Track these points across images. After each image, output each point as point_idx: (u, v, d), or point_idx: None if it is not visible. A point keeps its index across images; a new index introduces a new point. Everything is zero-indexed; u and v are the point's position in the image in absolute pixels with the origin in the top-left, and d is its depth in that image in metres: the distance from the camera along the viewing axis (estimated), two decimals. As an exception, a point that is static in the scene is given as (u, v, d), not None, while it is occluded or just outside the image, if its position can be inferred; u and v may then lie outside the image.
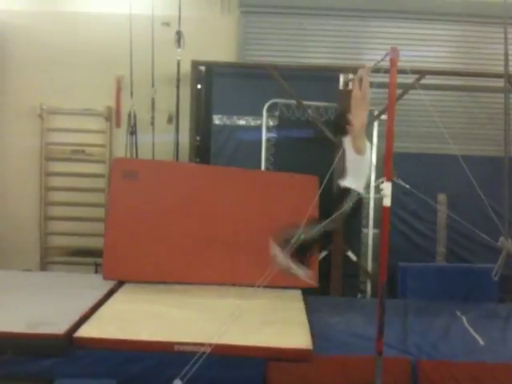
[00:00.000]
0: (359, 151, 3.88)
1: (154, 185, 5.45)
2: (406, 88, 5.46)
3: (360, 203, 4.07)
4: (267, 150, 5.96)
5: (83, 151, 6.47)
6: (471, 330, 4.48)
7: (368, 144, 4.06)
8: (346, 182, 3.94)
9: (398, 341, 4.15)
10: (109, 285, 5.08)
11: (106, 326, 4.04)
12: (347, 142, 3.94)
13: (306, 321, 4.35)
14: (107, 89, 6.36)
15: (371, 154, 4.17)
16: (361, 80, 3.88)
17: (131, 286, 5.14)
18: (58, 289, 4.96)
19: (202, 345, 3.54)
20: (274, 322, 4.29)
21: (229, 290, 5.01)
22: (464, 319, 4.76)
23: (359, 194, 3.92)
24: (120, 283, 5.18)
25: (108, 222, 5.48)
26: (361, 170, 3.98)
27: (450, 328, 4.57)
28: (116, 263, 5.25)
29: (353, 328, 4.45)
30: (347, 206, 3.83)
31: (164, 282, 5.21)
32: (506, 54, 4.36)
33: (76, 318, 4.08)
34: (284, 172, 5.70)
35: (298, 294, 5.15)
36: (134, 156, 6.13)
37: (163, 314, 4.38)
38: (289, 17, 6.40)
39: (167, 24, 6.22)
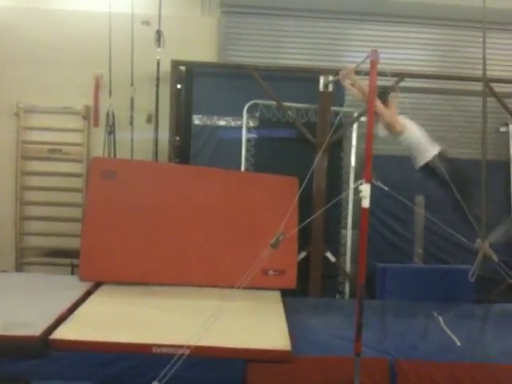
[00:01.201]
0: (402, 128, 4.35)
1: (133, 185, 5.40)
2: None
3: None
4: (247, 150, 5.94)
5: (60, 150, 6.38)
6: (448, 331, 4.51)
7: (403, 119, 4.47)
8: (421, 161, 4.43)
9: (376, 341, 4.16)
10: (85, 286, 5.00)
11: (83, 327, 3.98)
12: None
13: (285, 322, 4.34)
14: (85, 87, 6.28)
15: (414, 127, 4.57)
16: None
17: (108, 287, 5.07)
18: (34, 290, 4.87)
19: (180, 347, 3.51)
20: (253, 324, 4.28)
21: (208, 292, 4.98)
22: (441, 320, 4.80)
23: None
24: (97, 284, 5.11)
25: (85, 222, 5.41)
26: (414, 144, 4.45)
27: (427, 328, 4.60)
28: (93, 264, 5.18)
29: (331, 329, 4.45)
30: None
31: (142, 284, 5.15)
32: (484, 58, 4.42)
33: (52, 319, 4.01)
34: (264, 173, 5.69)
35: (276, 295, 5.15)
36: (112, 156, 6.07)
37: (141, 316, 4.33)
38: (270, 18, 6.41)
39: (147, 23, 6.17)
